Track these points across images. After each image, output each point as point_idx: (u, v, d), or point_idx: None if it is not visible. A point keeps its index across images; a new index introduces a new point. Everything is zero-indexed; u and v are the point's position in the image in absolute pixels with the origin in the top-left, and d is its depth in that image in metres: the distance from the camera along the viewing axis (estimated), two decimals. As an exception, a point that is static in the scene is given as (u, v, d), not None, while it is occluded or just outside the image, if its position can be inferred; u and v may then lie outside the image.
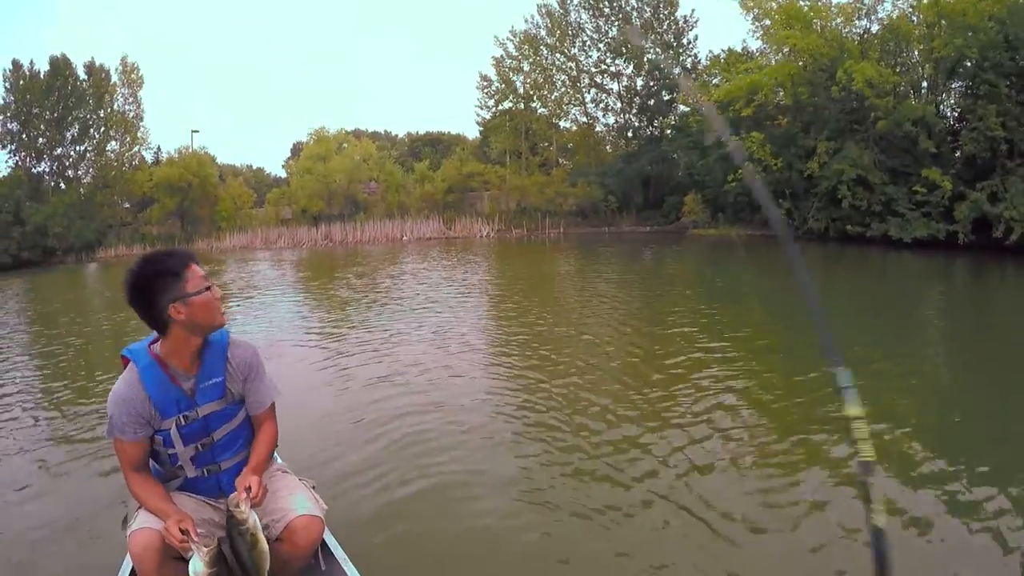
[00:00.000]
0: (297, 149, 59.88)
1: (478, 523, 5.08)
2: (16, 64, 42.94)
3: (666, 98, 48.13)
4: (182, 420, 3.29)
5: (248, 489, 3.11)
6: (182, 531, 2.93)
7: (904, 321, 13.61)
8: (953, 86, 31.26)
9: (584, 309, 16.31)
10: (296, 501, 3.42)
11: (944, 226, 27.20)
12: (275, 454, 3.94)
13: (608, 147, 52.64)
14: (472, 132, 61.32)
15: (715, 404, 7.91)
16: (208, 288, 3.21)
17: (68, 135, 43.56)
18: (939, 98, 31.56)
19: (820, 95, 32.56)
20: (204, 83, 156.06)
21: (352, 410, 7.91)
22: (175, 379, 3.26)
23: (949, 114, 31.57)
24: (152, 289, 3.11)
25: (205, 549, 2.91)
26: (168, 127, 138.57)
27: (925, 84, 32.32)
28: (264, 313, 16.45)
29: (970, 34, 26.96)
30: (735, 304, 16.71)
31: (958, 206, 26.64)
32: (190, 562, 2.91)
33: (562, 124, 53.76)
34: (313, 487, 3.68)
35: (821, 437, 6.66)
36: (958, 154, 27.99)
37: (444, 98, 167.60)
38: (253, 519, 3.05)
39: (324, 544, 3.59)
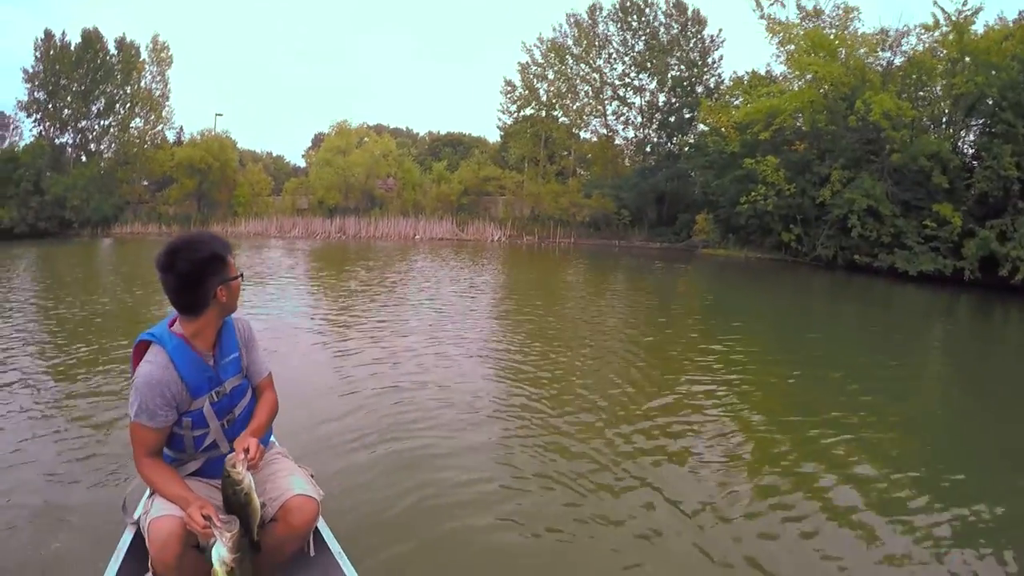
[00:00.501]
0: (318, 140, 59.96)
1: (474, 529, 5.02)
2: (48, 34, 43.24)
3: (687, 116, 47.94)
4: (215, 396, 3.38)
5: (246, 451, 3.14)
6: (204, 517, 2.93)
7: (908, 355, 13.56)
8: (971, 124, 31.18)
9: (584, 315, 16.43)
10: (294, 482, 3.46)
11: (951, 262, 27.19)
12: (273, 438, 3.97)
13: (626, 161, 52.38)
14: (493, 136, 61.62)
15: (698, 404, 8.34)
16: (241, 275, 3.45)
17: (94, 108, 43.72)
18: (956, 134, 31.49)
19: (838, 123, 32.55)
20: (231, 66, 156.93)
21: (354, 403, 7.86)
22: (203, 357, 3.34)
23: (966, 151, 31.46)
24: (206, 271, 3.22)
25: (228, 535, 2.91)
26: (192, 108, 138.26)
27: (944, 120, 32.24)
28: (274, 300, 16.54)
29: (993, 72, 26.97)
30: (731, 319, 16.63)
31: (967, 243, 26.70)
32: (214, 548, 2.91)
33: (582, 134, 53.74)
34: (312, 475, 3.71)
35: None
36: (971, 191, 27.79)
37: (467, 99, 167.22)
38: (248, 480, 3.09)
39: (318, 533, 3.64)
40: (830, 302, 22.90)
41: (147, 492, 3.32)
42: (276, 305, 15.62)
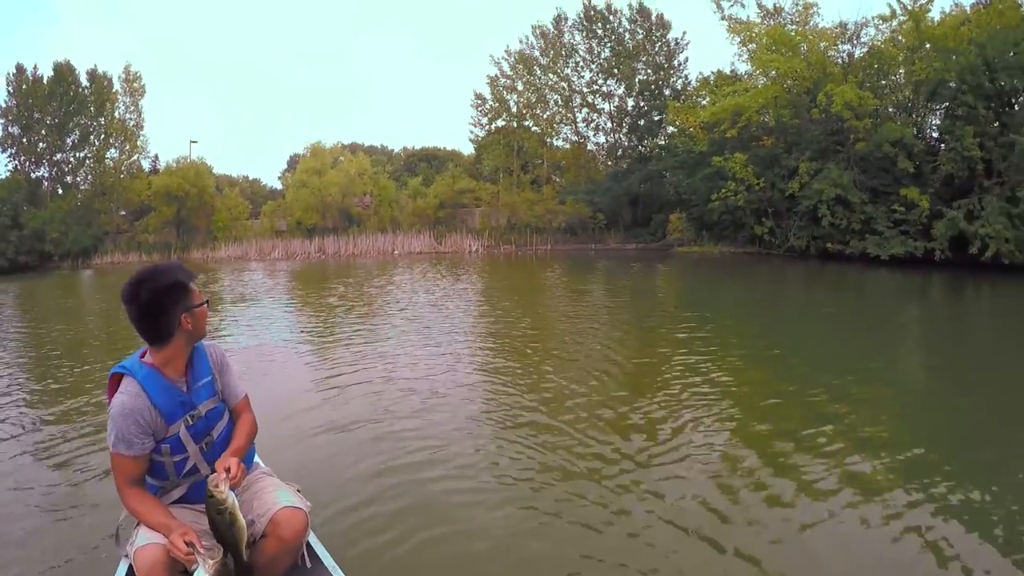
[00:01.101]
0: (294, 162, 59.96)
1: (466, 533, 4.98)
2: (20, 68, 42.88)
3: (656, 118, 48.22)
4: (189, 420, 3.36)
5: (227, 470, 3.13)
6: (187, 544, 2.92)
7: (883, 334, 13.63)
8: (935, 108, 31.45)
9: (555, 313, 16.78)
10: (279, 495, 3.45)
11: (922, 243, 27.50)
12: (257, 458, 3.99)
13: (599, 165, 52.64)
14: (467, 148, 61.64)
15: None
16: (207, 301, 3.42)
17: (68, 141, 43.41)
18: (919, 120, 31.84)
19: (802, 117, 32.87)
20: (202, 91, 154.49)
21: (337, 420, 7.72)
22: (175, 383, 3.33)
23: (931, 135, 31.83)
24: (168, 300, 3.22)
25: (211, 561, 2.92)
26: (166, 136, 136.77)
27: (908, 106, 32.61)
28: (255, 319, 16.51)
29: (953, 57, 27.27)
30: (703, 308, 17.13)
31: (936, 224, 26.96)
32: (195, 574, 2.90)
33: (554, 142, 53.96)
34: (298, 490, 3.68)
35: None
36: (937, 174, 28.13)
37: (441, 113, 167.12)
38: (232, 499, 3.07)
39: (311, 548, 3.59)
40: (804, 290, 23.12)
41: (135, 522, 3.26)
42: (261, 324, 15.60)
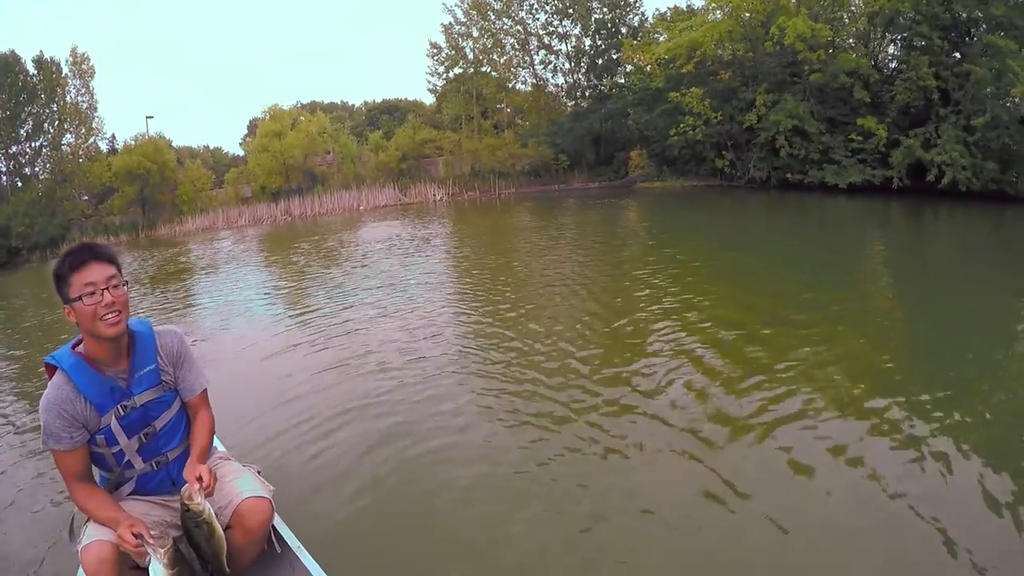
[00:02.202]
0: (254, 127, 58.76)
1: (428, 503, 4.90)
2: (-37, 64, 41.28)
3: (614, 56, 47.14)
4: (120, 411, 3.20)
5: (200, 479, 3.02)
6: (135, 535, 2.81)
7: (845, 259, 14.34)
8: (894, 38, 31.21)
9: (505, 245, 17.72)
10: (241, 484, 3.35)
11: (880, 172, 27.54)
12: (217, 440, 3.89)
13: (561, 107, 51.64)
14: (429, 98, 60.62)
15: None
16: (88, 295, 3.04)
17: (22, 132, 41.87)
18: (876, 50, 31.46)
19: (757, 50, 32.43)
20: (153, 65, 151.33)
21: (299, 390, 7.56)
22: (104, 372, 3.17)
23: (887, 65, 31.60)
24: (58, 292, 3.10)
25: (162, 551, 2.81)
26: (121, 114, 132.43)
27: (865, 38, 32.13)
28: (228, 284, 16.83)
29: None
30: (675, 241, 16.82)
31: (894, 152, 26.90)
32: (150, 567, 2.80)
33: (514, 87, 52.63)
34: (258, 471, 3.62)
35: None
36: (894, 103, 27.95)
37: (399, 64, 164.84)
38: (208, 509, 2.98)
39: (276, 531, 3.54)
40: (766, 218, 23.83)
41: (84, 517, 3.12)
42: (233, 289, 15.79)
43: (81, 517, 3.16)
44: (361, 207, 43.02)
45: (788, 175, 31.12)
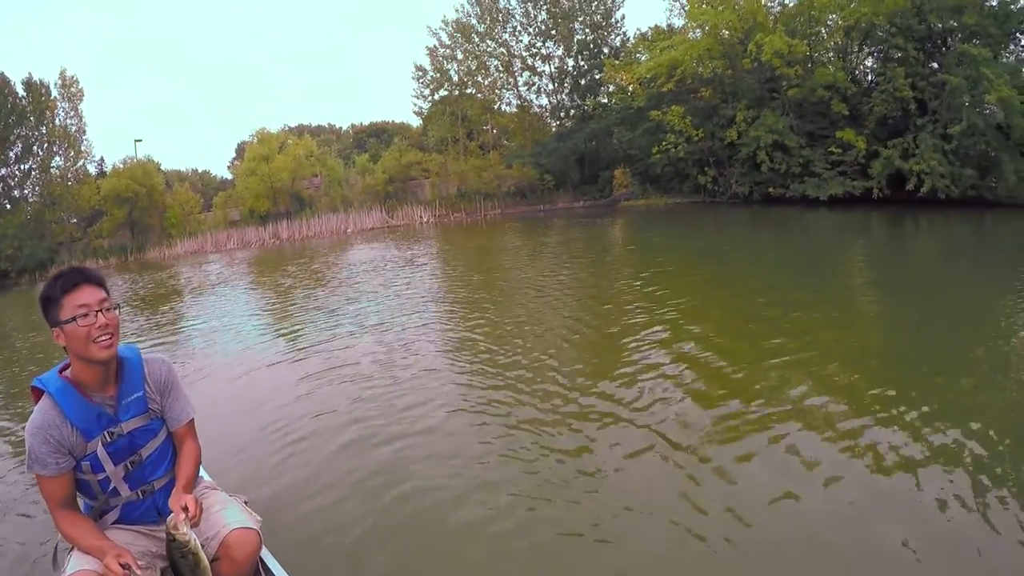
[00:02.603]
0: (241, 150, 58.83)
1: (424, 535, 4.66)
2: (-46, 87, 41.15)
3: (597, 76, 47.32)
4: (107, 437, 3.10)
5: (185, 509, 2.90)
6: (122, 566, 2.72)
7: (827, 269, 14.26)
8: (871, 51, 31.51)
9: (488, 263, 17.83)
10: (228, 516, 3.24)
11: (860, 183, 27.61)
12: (203, 471, 3.80)
13: (545, 127, 51.73)
14: (416, 120, 60.75)
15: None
16: (81, 316, 2.95)
17: (11, 154, 41.68)
18: (854, 64, 31.69)
19: (736, 67, 32.61)
20: (142, 88, 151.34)
21: (291, 413, 7.31)
22: (91, 398, 3.07)
23: (864, 78, 31.86)
24: (42, 312, 3.02)
25: None
26: (110, 137, 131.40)
27: (843, 52, 32.48)
28: (218, 306, 16.56)
29: (881, 1, 27.10)
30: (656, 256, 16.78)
31: (873, 164, 27.04)
32: None
33: (499, 108, 52.78)
34: (245, 502, 3.54)
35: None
36: (872, 115, 28.13)
37: (386, 87, 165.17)
38: (194, 539, 2.85)
39: (264, 563, 3.40)
40: (748, 232, 23.53)
41: (67, 545, 3.06)
42: (223, 310, 15.64)
43: (65, 545, 3.12)
44: (348, 230, 42.95)
45: (770, 189, 31.22)
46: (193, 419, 3.48)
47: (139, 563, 2.80)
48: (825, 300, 10.46)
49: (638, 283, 12.92)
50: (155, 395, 3.30)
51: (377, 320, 11.84)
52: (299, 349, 10.14)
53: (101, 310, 2.99)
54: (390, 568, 4.23)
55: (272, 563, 3.42)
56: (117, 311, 3.10)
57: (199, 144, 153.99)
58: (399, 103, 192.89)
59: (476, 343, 9.30)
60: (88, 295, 2.97)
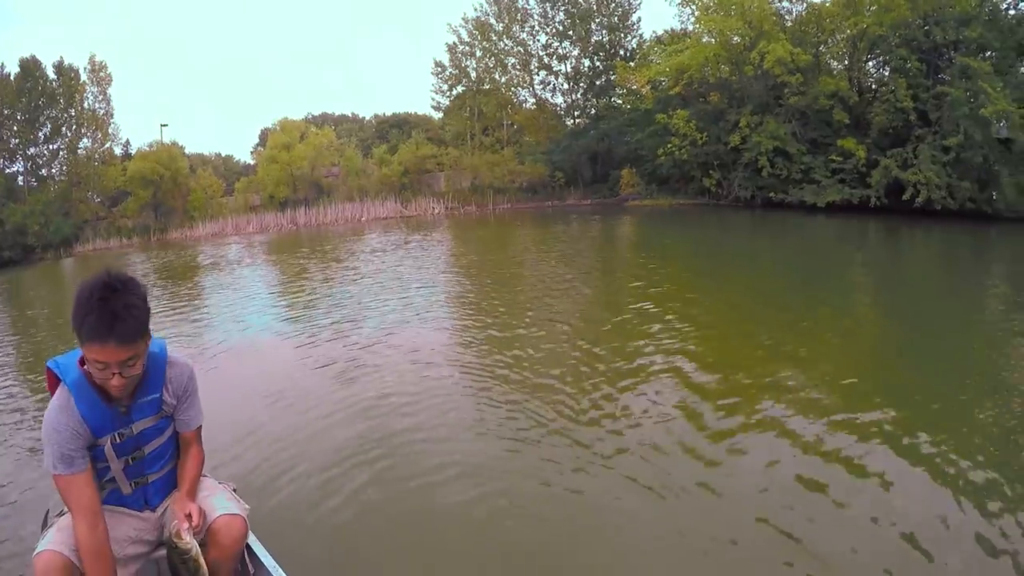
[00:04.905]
0: (264, 136, 58.83)
1: (410, 524, 4.57)
2: (-14, 68, 41.18)
3: (612, 77, 46.57)
4: (117, 438, 2.94)
5: (188, 517, 2.91)
6: None
7: (821, 275, 14.29)
8: (878, 60, 30.88)
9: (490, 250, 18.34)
10: (216, 502, 3.17)
11: (859, 191, 27.07)
12: None
13: (560, 125, 51.04)
14: (437, 113, 60.49)
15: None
16: (98, 368, 2.67)
17: (40, 134, 41.92)
18: (857, 73, 30.87)
19: (740, 73, 32.12)
20: (170, 72, 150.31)
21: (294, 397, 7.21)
22: (107, 398, 2.86)
23: (868, 87, 31.09)
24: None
25: None
26: (136, 121, 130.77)
27: (847, 60, 31.68)
28: (228, 286, 16.97)
29: (884, 11, 26.55)
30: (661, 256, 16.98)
31: (873, 172, 26.46)
32: None
33: (517, 105, 52.20)
34: (234, 489, 3.44)
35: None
36: (874, 125, 27.58)
37: (411, 78, 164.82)
38: (196, 548, 2.84)
39: (252, 550, 3.33)
40: (749, 235, 23.51)
41: (58, 510, 2.97)
42: (235, 291, 15.87)
43: (56, 510, 2.99)
44: (363, 218, 42.82)
45: (771, 194, 30.70)
46: (201, 425, 3.33)
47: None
48: (816, 309, 10.39)
49: (634, 282, 13.17)
50: (171, 399, 3.13)
51: (373, 305, 11.94)
52: (305, 337, 10.02)
53: (120, 371, 2.69)
54: (377, 552, 4.23)
55: (258, 548, 3.35)
56: (143, 359, 2.81)
57: (224, 129, 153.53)
58: (422, 95, 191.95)
59: (476, 334, 9.37)
60: (110, 354, 2.63)
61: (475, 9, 50.29)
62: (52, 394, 2.87)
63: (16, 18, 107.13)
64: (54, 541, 2.75)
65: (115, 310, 2.60)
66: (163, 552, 3.12)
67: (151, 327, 2.80)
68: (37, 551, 2.74)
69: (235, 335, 10.86)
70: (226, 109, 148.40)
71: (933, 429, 5.49)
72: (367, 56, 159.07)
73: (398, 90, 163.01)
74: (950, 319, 9.50)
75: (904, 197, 24.91)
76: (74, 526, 2.75)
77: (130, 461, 3.05)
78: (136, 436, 3.02)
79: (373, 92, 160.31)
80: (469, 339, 9.01)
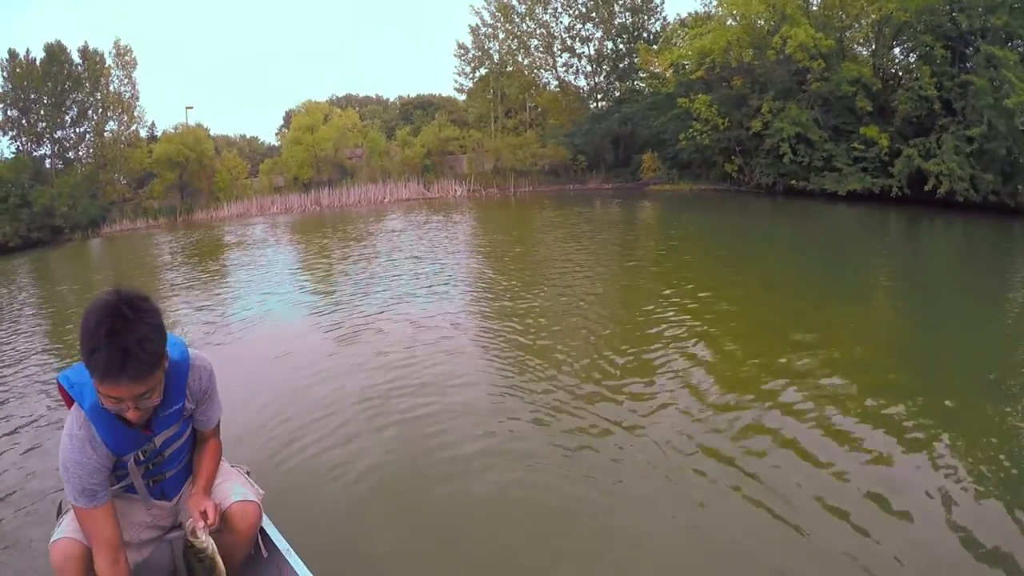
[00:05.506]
0: (289, 118, 58.78)
1: (424, 510, 4.52)
2: (12, 53, 41.33)
3: (635, 60, 45.86)
4: (140, 455, 2.90)
5: (204, 514, 2.81)
6: None
7: (841, 265, 14.03)
8: (903, 46, 30.08)
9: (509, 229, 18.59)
10: (230, 488, 3.15)
11: (881, 180, 26.45)
12: None
13: (583, 108, 50.49)
14: (461, 95, 60.25)
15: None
16: (112, 402, 2.50)
17: (67, 118, 42.26)
18: (881, 60, 30.27)
19: (763, 58, 31.44)
20: (195, 54, 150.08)
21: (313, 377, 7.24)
22: (127, 421, 2.68)
23: (893, 74, 30.48)
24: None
25: None
26: (162, 103, 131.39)
27: (873, 46, 31.01)
28: (264, 258, 17.92)
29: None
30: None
31: (896, 162, 25.84)
32: None
33: (539, 87, 51.82)
34: (248, 473, 3.44)
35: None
36: (897, 113, 26.89)
37: (435, 59, 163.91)
38: (211, 545, 2.79)
39: (266, 534, 3.31)
40: (770, 222, 23.42)
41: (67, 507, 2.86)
42: (265, 263, 16.74)
43: (68, 502, 2.82)
44: (386, 200, 42.86)
45: (793, 181, 30.17)
46: (219, 420, 3.27)
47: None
48: (839, 305, 9.92)
49: (632, 263, 13.59)
50: (192, 404, 3.04)
51: (397, 284, 12.20)
52: (323, 321, 10.01)
53: (135, 406, 2.52)
54: (393, 539, 4.18)
55: (273, 533, 3.32)
56: (158, 392, 2.63)
57: (249, 111, 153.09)
58: (446, 76, 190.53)
59: (498, 318, 9.44)
60: (124, 392, 2.44)
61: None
62: (68, 407, 2.74)
63: (37, 1, 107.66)
64: (70, 529, 2.73)
65: (126, 347, 2.37)
66: (176, 534, 3.13)
67: (165, 322, 2.61)
68: (53, 539, 2.73)
69: (253, 309, 11.11)
70: (252, 91, 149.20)
71: (953, 427, 5.44)
72: (393, 38, 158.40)
73: (422, 71, 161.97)
74: (971, 315, 9.32)
75: (926, 188, 24.21)
76: (94, 558, 2.66)
77: (150, 467, 3.01)
78: (159, 447, 2.97)
79: (397, 73, 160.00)
80: (496, 323, 9.10)
